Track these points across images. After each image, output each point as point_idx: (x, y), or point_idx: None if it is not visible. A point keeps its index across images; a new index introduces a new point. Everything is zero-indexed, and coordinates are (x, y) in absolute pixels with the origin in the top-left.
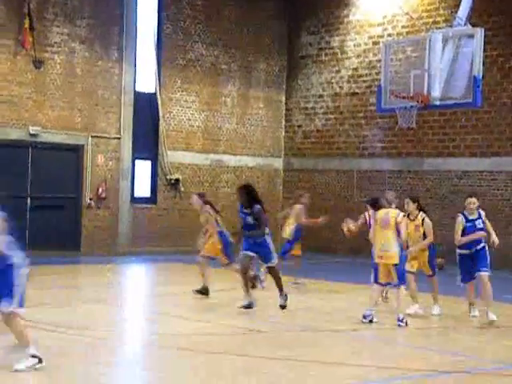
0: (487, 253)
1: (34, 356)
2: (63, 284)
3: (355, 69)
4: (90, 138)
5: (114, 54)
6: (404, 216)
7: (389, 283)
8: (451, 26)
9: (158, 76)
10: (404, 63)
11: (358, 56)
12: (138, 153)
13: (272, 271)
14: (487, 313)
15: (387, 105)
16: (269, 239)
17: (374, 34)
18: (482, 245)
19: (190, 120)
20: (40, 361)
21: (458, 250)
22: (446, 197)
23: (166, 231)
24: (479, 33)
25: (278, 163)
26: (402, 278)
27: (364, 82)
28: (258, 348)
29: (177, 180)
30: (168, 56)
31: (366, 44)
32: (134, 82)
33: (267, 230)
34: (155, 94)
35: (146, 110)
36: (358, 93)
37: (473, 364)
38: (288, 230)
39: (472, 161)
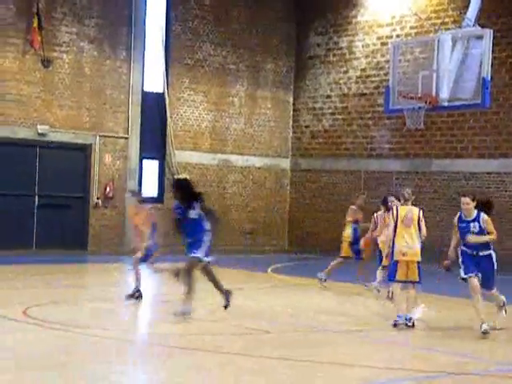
0: (494, 265)
1: None
2: (70, 283)
3: (363, 69)
4: (97, 138)
5: (123, 54)
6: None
7: (407, 281)
8: (460, 27)
9: (166, 76)
10: (412, 64)
11: (366, 57)
12: (146, 152)
13: (205, 271)
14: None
15: (395, 106)
16: (207, 236)
17: (383, 35)
18: (487, 252)
19: (197, 120)
20: None
21: (461, 247)
22: (453, 198)
23: (172, 231)
24: (488, 34)
25: (286, 163)
26: (422, 277)
27: (372, 82)
28: (265, 348)
29: None
30: (176, 56)
31: (374, 45)
32: (142, 81)
33: (208, 227)
34: (163, 93)
35: (154, 109)
36: (366, 93)
37: (479, 366)
38: (347, 232)
39: (480, 162)
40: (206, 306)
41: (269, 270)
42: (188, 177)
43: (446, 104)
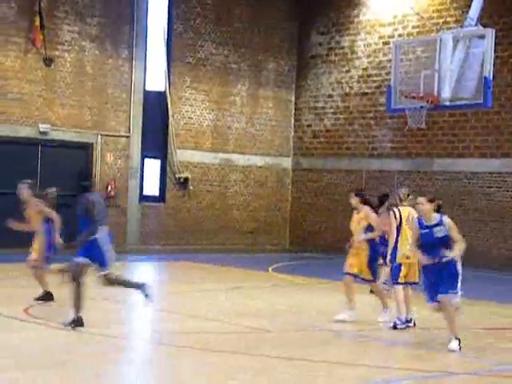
0: (457, 269)
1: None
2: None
3: (365, 69)
4: (99, 136)
5: (124, 53)
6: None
7: (407, 283)
8: (462, 27)
9: (168, 75)
10: (414, 63)
11: (368, 56)
12: (147, 151)
13: (108, 281)
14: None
15: (397, 105)
16: (103, 240)
17: (385, 34)
18: (447, 258)
19: (199, 119)
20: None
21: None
22: (455, 198)
23: (174, 230)
24: (490, 33)
25: (287, 163)
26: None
27: (374, 82)
28: (266, 347)
29: (186, 179)
30: (178, 55)
31: (376, 44)
32: (144, 80)
33: (101, 228)
34: (165, 92)
35: (156, 108)
36: (367, 93)
37: (478, 365)
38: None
39: (482, 162)
40: (205, 306)
41: (270, 269)
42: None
43: (447, 103)
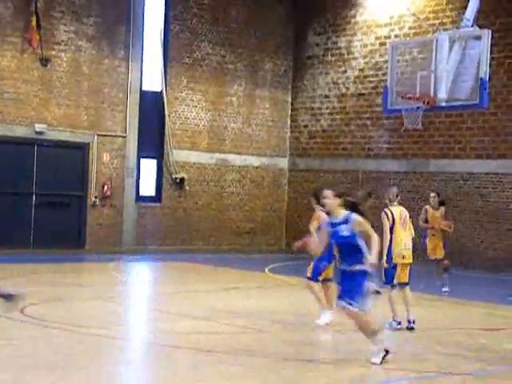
0: (363, 280)
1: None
2: (68, 282)
3: (361, 69)
4: (95, 136)
5: (121, 53)
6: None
7: (401, 283)
8: (458, 28)
9: (165, 75)
10: (410, 64)
11: (365, 57)
12: (144, 151)
13: None
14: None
15: (393, 106)
16: None
17: (381, 35)
18: (358, 266)
19: (195, 119)
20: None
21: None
22: (451, 198)
23: (170, 230)
24: (486, 34)
25: (284, 163)
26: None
27: (370, 82)
28: (262, 347)
29: (182, 179)
30: (174, 55)
31: (372, 45)
32: (141, 80)
33: None
34: (161, 92)
35: (152, 108)
36: (364, 93)
37: (476, 366)
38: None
39: (478, 163)
40: (201, 306)
41: (266, 269)
42: None
43: (444, 104)
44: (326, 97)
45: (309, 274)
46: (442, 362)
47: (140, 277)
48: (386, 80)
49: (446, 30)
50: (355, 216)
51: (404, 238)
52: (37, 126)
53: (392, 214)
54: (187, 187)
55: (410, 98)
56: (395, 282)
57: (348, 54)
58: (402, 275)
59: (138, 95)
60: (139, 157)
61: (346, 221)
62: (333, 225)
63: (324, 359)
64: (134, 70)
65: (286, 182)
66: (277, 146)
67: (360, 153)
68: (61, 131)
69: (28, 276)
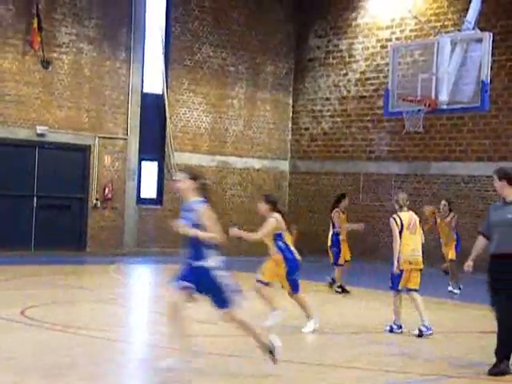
0: (216, 277)
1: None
2: (68, 284)
3: (363, 72)
4: (96, 139)
5: (122, 55)
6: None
7: (409, 289)
8: (459, 30)
9: (166, 77)
10: (412, 67)
11: (366, 59)
12: (145, 154)
13: None
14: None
15: (394, 108)
16: None
17: (382, 38)
18: (200, 263)
19: (196, 121)
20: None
21: None
22: (452, 201)
23: (171, 232)
24: (487, 37)
25: (285, 166)
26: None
27: (371, 85)
28: (260, 350)
29: None
30: (176, 57)
31: (373, 47)
32: (142, 82)
33: None
34: (162, 95)
35: (153, 110)
36: (365, 96)
37: (476, 369)
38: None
39: (479, 165)
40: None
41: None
42: None
43: (445, 107)
44: (327, 99)
45: (262, 277)
46: (439, 365)
47: (141, 279)
48: (387, 82)
49: (447, 32)
50: (201, 205)
51: (412, 244)
52: (38, 128)
53: (400, 219)
54: None
55: (411, 101)
56: (400, 287)
57: (349, 57)
58: (410, 281)
59: (139, 97)
60: (140, 159)
61: (191, 208)
62: (183, 210)
63: (322, 362)
64: (136, 73)
65: (287, 185)
66: (278, 149)
67: (361, 155)
68: (62, 133)
69: (29, 278)
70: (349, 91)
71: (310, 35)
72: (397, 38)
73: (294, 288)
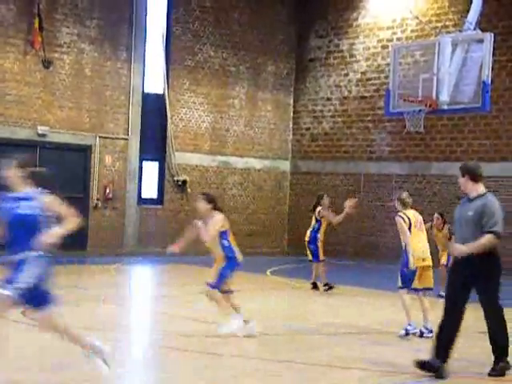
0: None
1: None
2: (69, 284)
3: (364, 72)
4: (97, 139)
5: (123, 55)
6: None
7: (425, 289)
8: (460, 31)
9: (167, 77)
10: (413, 67)
11: (367, 59)
12: (146, 154)
13: None
14: None
15: (395, 109)
16: None
17: (383, 38)
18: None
19: (197, 121)
20: None
21: None
22: (452, 202)
23: (172, 232)
24: (488, 38)
25: (286, 166)
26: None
27: (372, 85)
28: (263, 350)
29: (184, 181)
30: (176, 57)
31: (374, 47)
32: (143, 82)
33: None
34: (163, 95)
35: (154, 111)
36: (366, 96)
37: (475, 369)
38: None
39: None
40: (203, 309)
41: (268, 272)
42: None
43: (446, 107)
44: (328, 99)
45: (213, 282)
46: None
47: (142, 279)
48: (388, 83)
49: (448, 33)
50: (46, 196)
51: (422, 241)
52: (39, 128)
53: (408, 217)
54: (189, 190)
55: (412, 101)
56: (414, 286)
57: (350, 57)
58: (423, 279)
59: (140, 97)
60: (141, 159)
61: (29, 197)
62: (8, 199)
63: (325, 362)
64: (137, 73)
65: (287, 185)
66: (279, 149)
67: (362, 155)
68: (63, 133)
69: None
70: (350, 91)
71: (310, 35)
72: (398, 39)
73: (216, 284)
